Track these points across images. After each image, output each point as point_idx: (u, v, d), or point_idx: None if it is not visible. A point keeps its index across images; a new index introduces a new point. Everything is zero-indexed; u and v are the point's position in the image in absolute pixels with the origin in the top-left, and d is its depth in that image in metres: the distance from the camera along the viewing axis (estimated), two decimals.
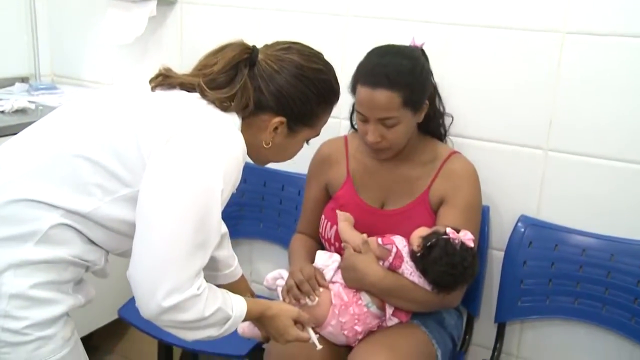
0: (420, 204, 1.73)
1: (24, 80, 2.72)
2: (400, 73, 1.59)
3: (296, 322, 1.47)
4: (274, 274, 1.74)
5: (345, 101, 1.66)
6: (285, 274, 1.72)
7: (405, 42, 1.74)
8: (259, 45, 1.40)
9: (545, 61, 1.80)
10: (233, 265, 1.70)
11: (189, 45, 2.42)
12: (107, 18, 2.50)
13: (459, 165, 1.75)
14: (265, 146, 1.37)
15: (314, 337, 1.48)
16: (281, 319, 1.44)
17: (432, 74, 1.74)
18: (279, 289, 1.69)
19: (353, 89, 1.65)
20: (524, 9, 1.80)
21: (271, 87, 1.32)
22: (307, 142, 1.46)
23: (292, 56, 1.35)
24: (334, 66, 1.43)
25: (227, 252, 1.69)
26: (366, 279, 1.59)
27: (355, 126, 1.85)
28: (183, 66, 2.36)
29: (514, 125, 1.88)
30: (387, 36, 1.75)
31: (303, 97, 1.34)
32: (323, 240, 1.84)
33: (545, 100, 1.82)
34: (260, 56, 1.35)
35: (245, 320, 1.36)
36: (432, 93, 1.74)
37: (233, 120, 1.30)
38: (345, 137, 1.88)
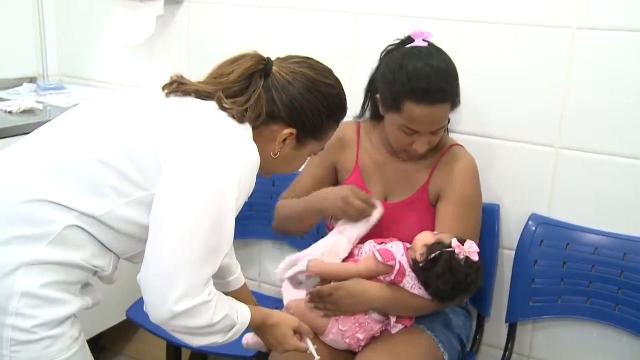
0: (419, 197, 1.74)
1: (31, 80, 2.74)
2: (450, 82, 1.61)
3: (295, 332, 1.51)
4: (284, 264, 1.72)
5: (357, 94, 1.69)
6: (302, 259, 1.69)
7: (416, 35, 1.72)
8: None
9: (556, 57, 1.81)
10: (236, 273, 1.72)
11: (197, 45, 2.44)
12: (113, 18, 2.53)
13: (455, 159, 1.75)
14: (272, 157, 1.41)
15: (312, 348, 1.51)
16: (281, 328, 1.49)
17: None
18: (288, 278, 1.69)
19: (396, 104, 1.61)
20: (534, 5, 1.82)
21: (284, 98, 1.37)
22: (310, 156, 1.50)
23: (305, 70, 1.39)
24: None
25: (231, 260, 1.71)
26: (366, 298, 1.59)
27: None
28: (191, 67, 2.43)
29: (525, 123, 1.89)
30: (395, 34, 1.76)
31: (314, 109, 1.39)
32: (328, 231, 1.83)
33: (556, 96, 1.83)
34: (274, 68, 1.39)
35: (248, 327, 1.40)
36: None
37: (246, 130, 1.34)
38: (358, 125, 1.88)
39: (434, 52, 1.64)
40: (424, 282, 1.56)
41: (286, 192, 1.94)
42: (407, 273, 1.57)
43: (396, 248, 1.62)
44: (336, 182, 1.88)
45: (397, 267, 1.56)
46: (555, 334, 1.98)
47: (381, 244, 1.66)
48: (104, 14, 2.61)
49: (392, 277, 1.56)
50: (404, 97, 1.59)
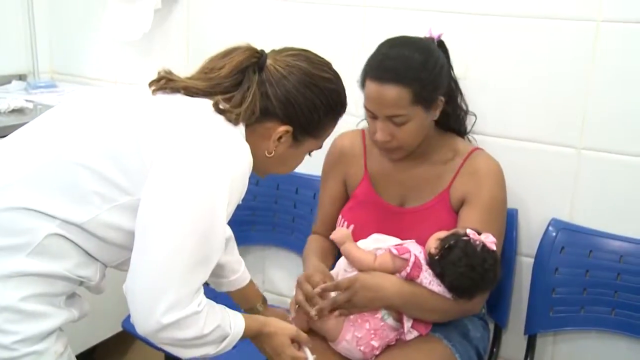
0: (440, 202, 1.74)
1: (21, 77, 2.73)
2: (410, 67, 1.60)
3: (293, 341, 1.50)
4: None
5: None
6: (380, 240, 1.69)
7: (425, 33, 1.74)
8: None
9: (578, 52, 1.79)
10: (240, 271, 1.72)
11: (197, 40, 2.43)
12: (108, 11, 2.52)
13: (481, 163, 1.75)
14: (267, 155, 1.39)
15: (311, 358, 1.51)
16: (278, 337, 1.47)
17: (451, 68, 1.75)
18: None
19: (362, 84, 1.65)
20: None
21: (279, 94, 1.35)
22: (310, 154, 1.49)
23: (301, 63, 1.38)
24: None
25: (233, 257, 1.70)
26: (383, 293, 1.57)
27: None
28: (190, 63, 2.40)
29: (545, 122, 1.87)
30: (405, 27, 1.75)
31: (311, 105, 1.37)
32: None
33: (578, 94, 1.81)
34: (268, 61, 1.37)
35: (243, 337, 1.39)
36: (451, 88, 1.75)
37: (238, 129, 1.32)
38: (363, 131, 1.88)
39: (410, 42, 1.67)
40: (441, 274, 1.56)
41: (314, 223, 1.98)
42: (423, 268, 1.57)
43: (413, 245, 1.62)
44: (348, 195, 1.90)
45: (412, 259, 1.56)
46: (578, 346, 1.96)
47: (397, 245, 1.66)
48: (98, 8, 2.59)
49: (409, 269, 1.56)
50: (364, 76, 1.65)
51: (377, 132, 1.66)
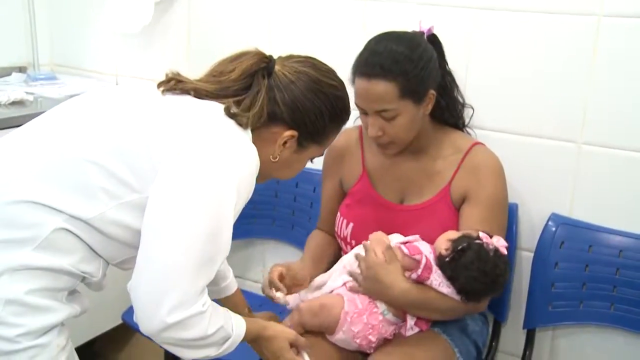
0: (441, 199, 1.73)
1: (21, 69, 2.74)
2: (396, 61, 1.59)
3: (292, 345, 1.51)
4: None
5: None
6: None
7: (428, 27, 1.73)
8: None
9: (579, 47, 1.79)
10: (229, 278, 1.73)
11: (198, 33, 2.43)
12: (108, 3, 2.52)
13: (482, 158, 1.74)
14: (272, 160, 1.41)
15: None
16: (277, 340, 1.49)
17: (445, 61, 1.75)
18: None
19: (352, 81, 1.65)
20: None
21: (287, 99, 1.37)
22: (312, 160, 1.51)
23: (308, 69, 1.40)
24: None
25: (224, 265, 1.71)
26: (389, 292, 1.57)
27: None
28: (191, 57, 2.41)
29: (545, 117, 1.87)
30: (406, 21, 1.75)
31: (317, 111, 1.39)
32: (339, 239, 1.85)
33: (579, 89, 1.81)
34: (276, 67, 1.39)
35: (243, 340, 1.40)
36: (445, 82, 1.75)
37: (246, 133, 1.34)
38: (360, 128, 1.89)
39: (396, 36, 1.66)
40: (451, 277, 1.56)
41: (318, 219, 2.01)
42: (433, 269, 1.56)
43: (423, 246, 1.62)
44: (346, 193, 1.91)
45: (424, 260, 1.55)
46: (577, 341, 1.96)
47: (405, 243, 1.65)
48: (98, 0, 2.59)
49: (419, 272, 1.55)
50: (353, 73, 1.65)
51: (369, 128, 1.66)
